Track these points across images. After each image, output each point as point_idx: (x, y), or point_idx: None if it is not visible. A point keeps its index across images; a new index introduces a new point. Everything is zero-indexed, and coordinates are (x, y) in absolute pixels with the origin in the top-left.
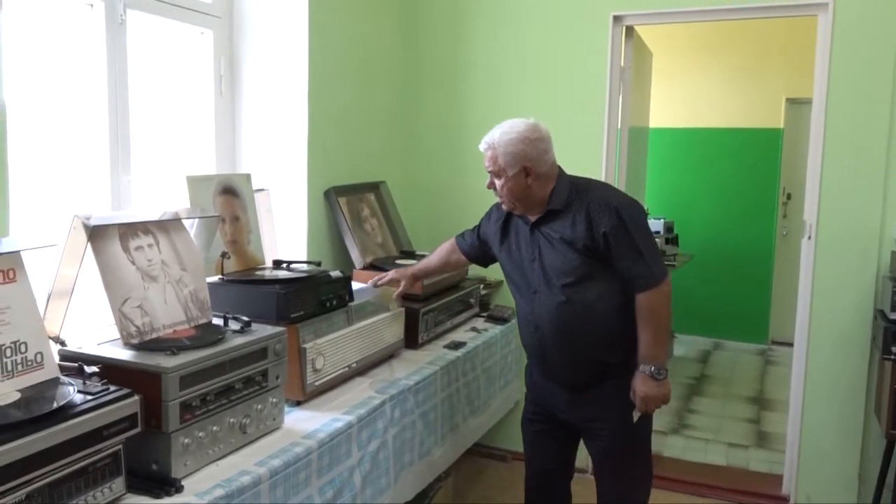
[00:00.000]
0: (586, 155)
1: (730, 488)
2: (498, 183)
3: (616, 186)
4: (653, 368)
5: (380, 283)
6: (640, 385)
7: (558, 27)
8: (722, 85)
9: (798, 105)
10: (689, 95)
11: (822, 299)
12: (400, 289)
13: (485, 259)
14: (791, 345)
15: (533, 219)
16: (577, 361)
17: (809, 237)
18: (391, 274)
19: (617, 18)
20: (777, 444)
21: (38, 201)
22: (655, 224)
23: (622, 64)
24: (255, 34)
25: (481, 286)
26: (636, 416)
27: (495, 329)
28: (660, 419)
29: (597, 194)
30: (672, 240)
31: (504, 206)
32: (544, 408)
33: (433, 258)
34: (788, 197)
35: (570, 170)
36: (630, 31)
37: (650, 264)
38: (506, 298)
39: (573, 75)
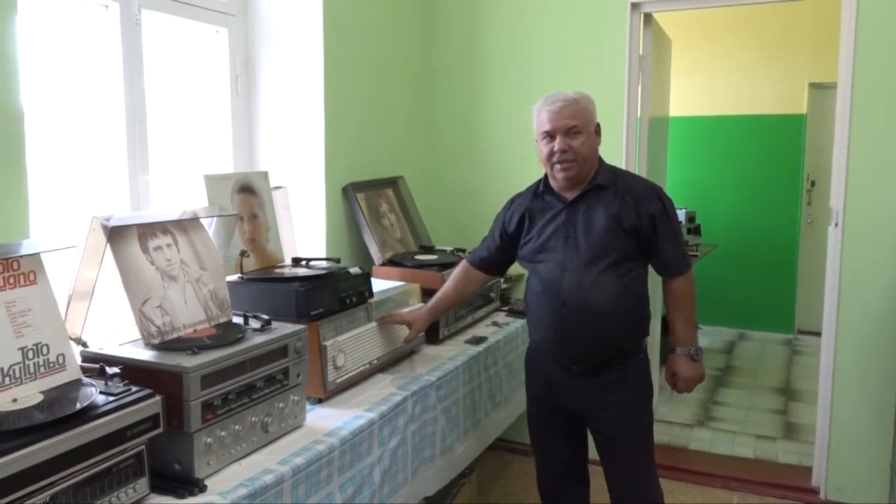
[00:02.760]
0: (606, 145)
1: (758, 481)
2: (577, 141)
3: None
4: (692, 349)
5: (386, 321)
6: (683, 368)
7: (575, 16)
8: (743, 71)
9: (822, 89)
10: (709, 83)
11: (850, 287)
12: (411, 333)
13: (503, 263)
14: (818, 334)
15: (572, 196)
16: (597, 343)
17: (836, 224)
18: (403, 316)
19: (635, 6)
20: (806, 436)
21: (56, 203)
22: (678, 214)
23: (641, 52)
24: (271, 32)
25: (502, 280)
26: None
27: (516, 323)
28: (685, 411)
29: (636, 179)
30: (694, 230)
31: (566, 174)
32: (548, 400)
33: (447, 288)
34: (813, 184)
35: None
36: (648, 18)
37: (683, 250)
38: None
39: (591, 65)
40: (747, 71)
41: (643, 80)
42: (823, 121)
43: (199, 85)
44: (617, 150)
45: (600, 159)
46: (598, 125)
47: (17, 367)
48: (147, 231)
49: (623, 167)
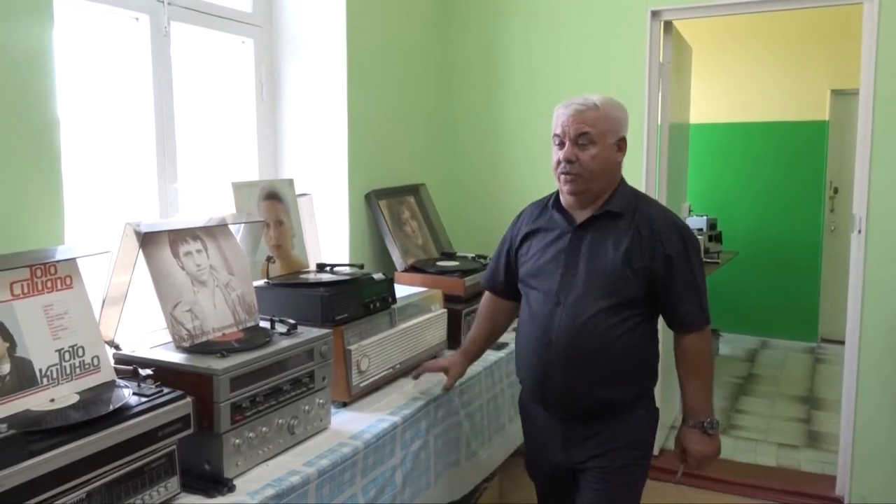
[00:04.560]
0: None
1: (781, 489)
2: (587, 153)
3: (657, 185)
4: (706, 421)
5: (423, 370)
6: (694, 443)
7: (595, 24)
8: (764, 78)
9: (844, 96)
10: (730, 89)
11: (873, 295)
12: (449, 380)
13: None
14: (842, 342)
15: (581, 219)
16: (581, 393)
17: (859, 231)
18: (439, 363)
19: (655, 14)
20: (829, 445)
21: (89, 210)
22: (698, 221)
23: (661, 60)
24: (295, 42)
25: None
26: (680, 473)
27: None
28: None
29: (659, 211)
30: (715, 237)
31: (570, 187)
32: (542, 452)
33: (478, 325)
34: (836, 191)
35: None
36: (669, 26)
37: (703, 303)
38: None
39: (611, 72)
40: (769, 77)
41: (663, 87)
42: (846, 127)
43: (225, 94)
44: (637, 158)
45: (622, 181)
46: (624, 139)
47: (54, 369)
48: (178, 237)
49: (643, 175)
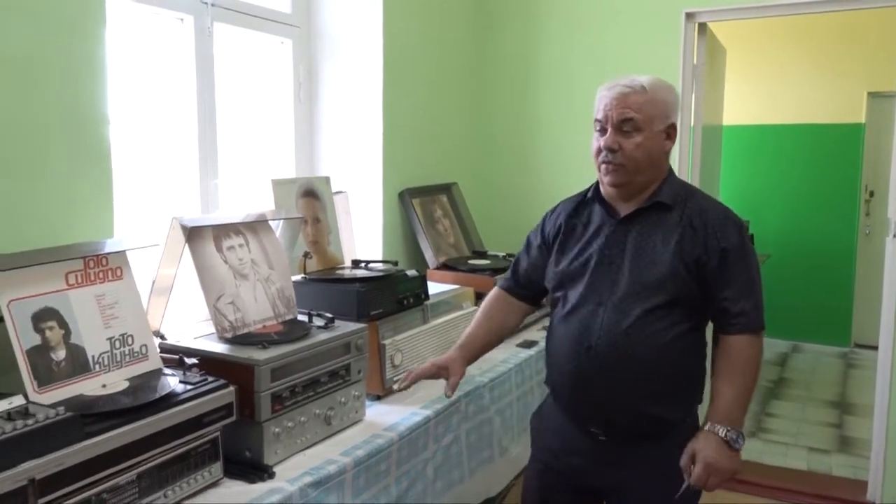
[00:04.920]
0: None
1: (812, 493)
2: (631, 140)
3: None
4: (729, 432)
5: (413, 381)
6: (709, 450)
7: (630, 25)
8: (799, 79)
9: (881, 99)
10: (764, 91)
11: None
12: (452, 378)
13: (545, 288)
14: (875, 347)
15: (626, 211)
16: (628, 407)
17: (894, 235)
18: (433, 362)
19: (689, 15)
20: (861, 450)
21: (135, 204)
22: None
23: (695, 61)
24: (333, 42)
25: None
26: (683, 488)
27: None
28: None
29: (712, 202)
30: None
31: (611, 178)
32: (555, 465)
33: (485, 323)
34: (871, 194)
35: None
36: (703, 27)
37: (759, 303)
38: None
39: (645, 73)
40: (803, 79)
41: (697, 89)
42: (882, 130)
43: (264, 93)
44: (671, 160)
45: (670, 171)
46: (673, 126)
47: (105, 356)
48: (221, 232)
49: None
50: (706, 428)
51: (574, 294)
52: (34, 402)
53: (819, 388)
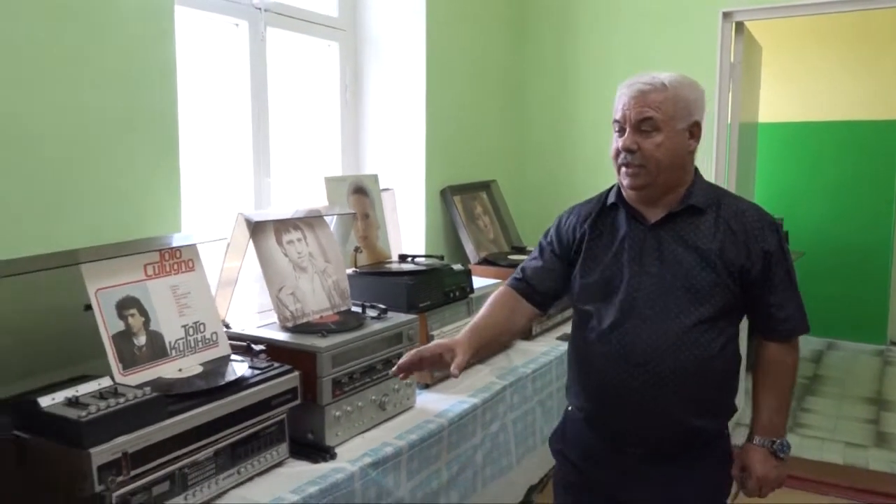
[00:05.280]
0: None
1: (849, 486)
2: (650, 141)
3: (726, 184)
4: (776, 444)
5: (413, 366)
6: (760, 464)
7: (667, 24)
8: (835, 76)
9: None
10: (800, 88)
11: None
12: (460, 358)
13: (551, 295)
14: None
15: (656, 216)
16: (679, 423)
17: None
18: (439, 344)
19: (727, 15)
20: None
21: (193, 200)
22: None
23: (732, 60)
24: (378, 45)
25: None
26: (733, 496)
27: None
28: None
29: (748, 204)
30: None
31: (630, 181)
32: (580, 480)
33: (496, 315)
34: None
35: None
36: (740, 26)
37: (801, 303)
38: None
39: (682, 72)
40: (839, 76)
41: (734, 87)
42: None
43: (312, 94)
44: (707, 157)
45: (696, 174)
46: (697, 124)
47: (181, 342)
48: (281, 227)
49: (713, 174)
50: (754, 442)
51: (610, 309)
52: (121, 384)
53: (855, 385)
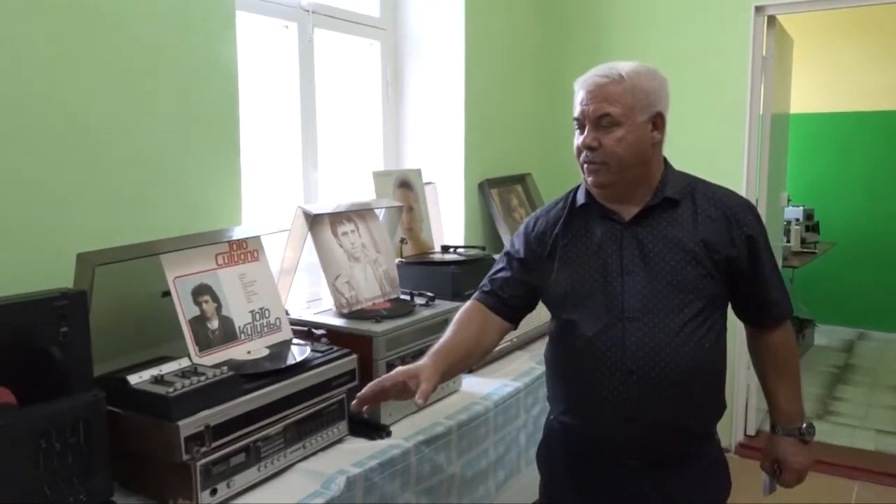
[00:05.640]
0: (727, 144)
1: (880, 471)
2: (612, 136)
3: (758, 175)
4: (803, 427)
5: (374, 399)
6: (792, 454)
7: (699, 19)
8: (867, 66)
9: None
10: (831, 79)
11: None
12: (426, 385)
13: (522, 306)
14: None
15: (630, 213)
16: (677, 427)
17: None
18: (409, 371)
19: (759, 9)
20: None
21: (247, 194)
22: (794, 211)
23: (764, 53)
24: (418, 44)
25: None
26: (769, 488)
27: None
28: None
29: (724, 190)
30: (812, 227)
31: (594, 178)
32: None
33: (463, 332)
34: None
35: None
36: (772, 20)
37: (786, 289)
38: None
39: (714, 66)
40: (870, 66)
41: (766, 80)
42: None
43: (356, 91)
44: (738, 150)
45: (666, 164)
46: (660, 115)
47: (248, 326)
48: (336, 219)
49: (745, 166)
50: (780, 433)
51: (596, 315)
52: (199, 364)
53: (886, 374)
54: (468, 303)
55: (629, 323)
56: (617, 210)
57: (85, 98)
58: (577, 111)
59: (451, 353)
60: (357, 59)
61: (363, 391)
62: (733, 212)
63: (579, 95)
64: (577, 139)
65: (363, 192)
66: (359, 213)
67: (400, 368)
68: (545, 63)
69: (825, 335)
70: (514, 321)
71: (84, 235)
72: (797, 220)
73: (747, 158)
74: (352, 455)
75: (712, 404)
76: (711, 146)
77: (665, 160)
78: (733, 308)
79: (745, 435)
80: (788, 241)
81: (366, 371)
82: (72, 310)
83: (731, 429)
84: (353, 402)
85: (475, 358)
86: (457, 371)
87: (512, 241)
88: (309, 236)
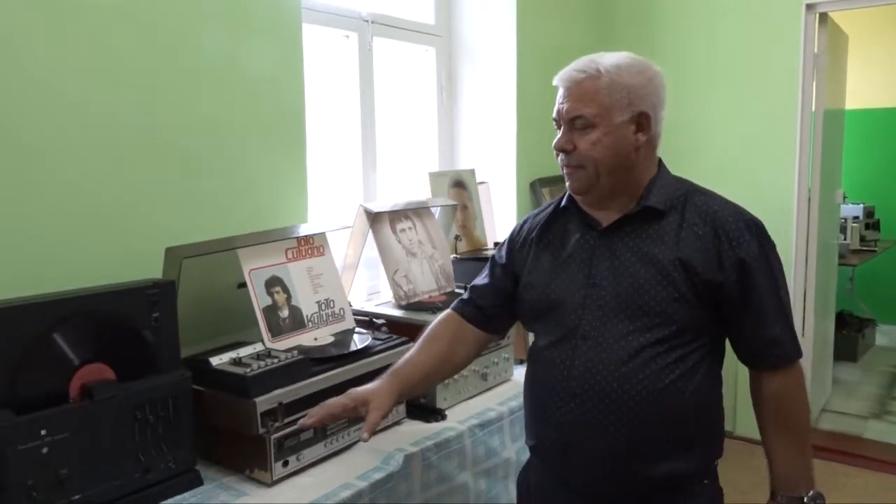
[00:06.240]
0: (779, 142)
1: None
2: (587, 138)
3: (810, 172)
4: (807, 496)
5: (325, 419)
6: None
7: (749, 18)
8: None
9: None
10: (889, 74)
11: None
12: (372, 415)
13: (505, 315)
14: None
15: (608, 221)
16: (629, 467)
17: None
18: (358, 396)
19: (810, 6)
20: None
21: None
22: (853, 209)
23: (815, 50)
24: (471, 49)
25: None
26: None
27: None
28: (859, 404)
29: (721, 202)
30: (872, 225)
31: (570, 183)
32: None
33: (431, 348)
34: None
35: (764, 158)
36: (824, 17)
37: (791, 324)
38: None
39: (765, 64)
40: None
41: (818, 77)
42: None
43: (412, 95)
44: (790, 147)
45: (661, 168)
46: (644, 115)
47: (315, 315)
48: (395, 216)
49: (796, 163)
50: (778, 500)
51: (553, 328)
52: (272, 348)
53: None
54: (444, 313)
55: (582, 341)
56: (597, 217)
57: (169, 109)
58: (554, 109)
59: (411, 374)
60: (413, 64)
61: (315, 411)
62: (726, 229)
63: (558, 92)
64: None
65: (420, 191)
66: (416, 212)
67: (353, 392)
68: None
69: (886, 335)
70: (497, 331)
71: (168, 232)
72: (855, 217)
73: (799, 155)
74: (409, 436)
75: (689, 445)
76: (763, 144)
77: (660, 164)
78: (730, 343)
79: None
80: (845, 239)
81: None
82: (162, 298)
83: None
84: (302, 419)
85: (443, 375)
86: (420, 390)
87: (502, 244)
88: (370, 233)
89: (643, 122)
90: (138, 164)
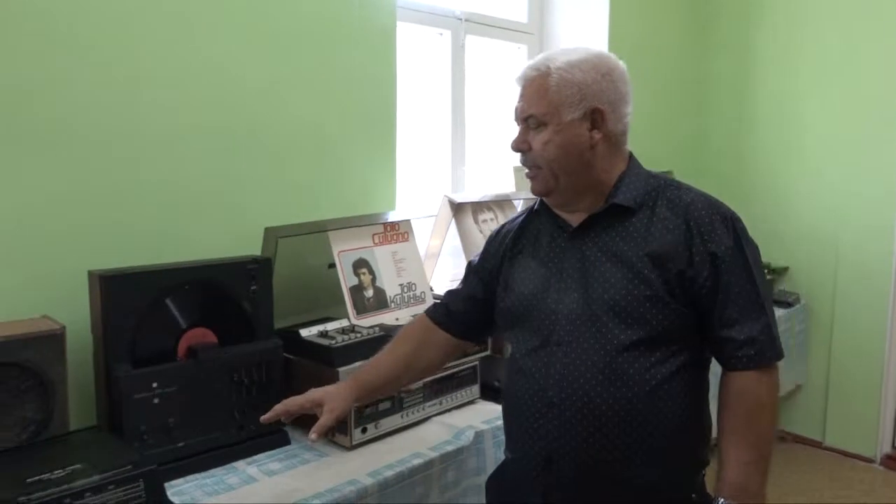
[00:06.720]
0: (884, 145)
1: None
2: (538, 138)
3: None
4: None
5: (265, 419)
6: None
7: (851, 18)
8: None
9: None
10: None
11: None
12: (324, 418)
13: (480, 322)
14: None
15: (577, 221)
16: (611, 480)
17: None
18: (306, 397)
19: None
20: None
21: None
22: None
23: None
24: (563, 46)
25: None
26: None
27: None
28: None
29: (696, 195)
30: None
31: (530, 185)
32: None
33: (397, 350)
34: None
35: (868, 162)
36: None
37: (770, 323)
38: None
39: (864, 66)
40: None
41: None
42: None
43: (502, 92)
44: (892, 142)
45: (631, 164)
46: (598, 111)
47: (397, 297)
48: (477, 208)
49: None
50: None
51: (524, 336)
52: (356, 324)
53: None
54: (417, 316)
55: (557, 348)
56: (567, 218)
57: (273, 105)
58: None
59: (371, 377)
60: (505, 61)
61: (277, 407)
62: (698, 222)
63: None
64: None
65: (504, 185)
66: (498, 204)
67: (311, 393)
68: (692, 64)
69: None
70: (469, 337)
71: (266, 213)
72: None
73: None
74: (482, 415)
75: (672, 457)
76: (865, 148)
77: (631, 160)
78: (707, 343)
79: (893, 447)
80: None
81: (497, 344)
82: (260, 272)
83: (879, 440)
84: (264, 416)
85: (408, 378)
86: (382, 393)
87: (479, 252)
88: (453, 222)
89: (597, 118)
90: (242, 154)
